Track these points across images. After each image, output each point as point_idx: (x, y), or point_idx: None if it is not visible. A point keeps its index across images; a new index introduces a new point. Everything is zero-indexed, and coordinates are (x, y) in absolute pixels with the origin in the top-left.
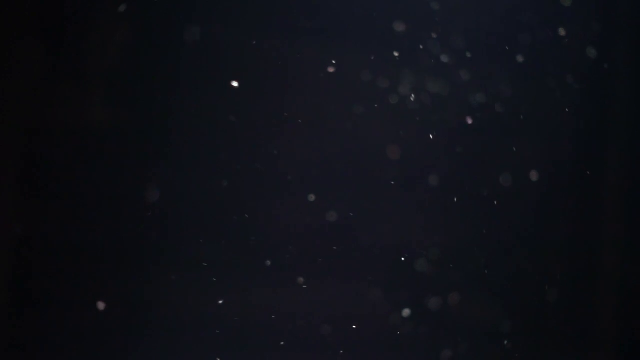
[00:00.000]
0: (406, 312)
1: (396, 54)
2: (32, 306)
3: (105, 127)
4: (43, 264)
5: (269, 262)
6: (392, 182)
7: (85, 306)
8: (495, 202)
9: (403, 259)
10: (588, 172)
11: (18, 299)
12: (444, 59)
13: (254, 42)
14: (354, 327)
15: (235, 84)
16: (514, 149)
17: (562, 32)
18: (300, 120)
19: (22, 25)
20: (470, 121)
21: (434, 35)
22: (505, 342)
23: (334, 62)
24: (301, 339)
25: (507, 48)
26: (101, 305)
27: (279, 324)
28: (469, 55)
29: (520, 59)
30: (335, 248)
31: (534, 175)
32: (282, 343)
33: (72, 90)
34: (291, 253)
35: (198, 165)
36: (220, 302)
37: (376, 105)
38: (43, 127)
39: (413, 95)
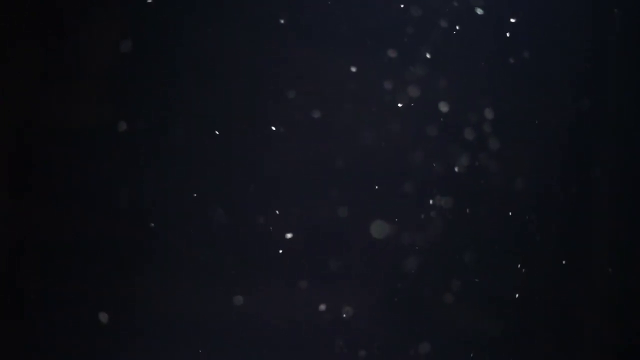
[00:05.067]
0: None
1: (394, 56)
2: (28, 306)
3: (102, 127)
4: (39, 264)
5: (265, 263)
6: (390, 183)
7: (81, 307)
8: (493, 203)
9: (399, 259)
10: (586, 172)
11: (14, 299)
12: (443, 59)
13: (253, 42)
14: (351, 326)
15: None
16: (512, 148)
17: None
18: (298, 121)
19: (21, 25)
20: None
21: (433, 38)
22: (503, 342)
23: (333, 62)
24: (298, 339)
25: (504, 49)
26: (104, 317)
27: (277, 324)
28: (466, 55)
29: (517, 59)
30: (332, 248)
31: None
32: (279, 344)
33: (70, 90)
34: (288, 253)
35: (196, 165)
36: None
37: (374, 106)
38: (40, 127)
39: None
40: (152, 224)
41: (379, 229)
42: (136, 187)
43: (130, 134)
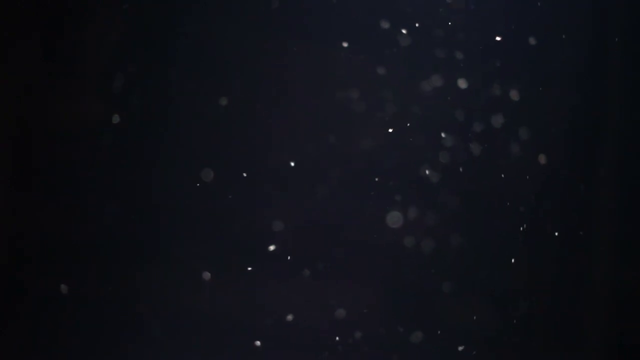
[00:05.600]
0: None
1: (391, 53)
2: (26, 304)
3: (100, 126)
4: (38, 262)
5: (263, 262)
6: (388, 182)
7: (79, 305)
8: (491, 203)
9: (397, 259)
10: (584, 173)
11: (12, 297)
12: (441, 58)
13: (252, 42)
14: (350, 327)
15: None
16: (510, 148)
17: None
18: (297, 119)
19: (19, 24)
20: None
21: (431, 35)
22: (499, 343)
23: (329, 61)
24: (295, 338)
25: (503, 48)
26: (64, 289)
27: (275, 323)
28: (465, 54)
29: (516, 57)
30: (331, 248)
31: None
32: (276, 343)
33: (68, 89)
34: (286, 252)
35: (193, 164)
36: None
37: (373, 105)
38: (39, 127)
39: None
40: (153, 222)
41: (394, 219)
42: (136, 186)
43: (130, 133)
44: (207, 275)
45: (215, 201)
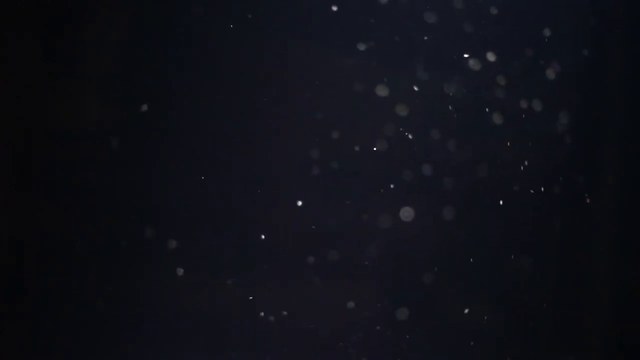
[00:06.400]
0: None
1: (391, 54)
2: (26, 304)
3: (102, 127)
4: (38, 262)
5: (264, 263)
6: (389, 184)
7: (82, 306)
8: (491, 202)
9: (397, 259)
10: (584, 173)
11: (12, 297)
12: (439, 58)
13: (252, 42)
14: (351, 328)
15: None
16: (510, 148)
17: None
18: (297, 119)
19: (19, 24)
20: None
21: (432, 35)
22: (499, 342)
23: (327, 61)
24: (296, 339)
25: (504, 47)
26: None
27: (274, 324)
28: (464, 55)
29: (516, 57)
30: (331, 248)
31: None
32: (277, 344)
33: (69, 89)
34: (287, 254)
35: (193, 164)
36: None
37: (372, 105)
38: (39, 127)
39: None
40: (153, 222)
41: (406, 214)
42: (136, 186)
43: (130, 133)
44: (180, 271)
45: (215, 201)
